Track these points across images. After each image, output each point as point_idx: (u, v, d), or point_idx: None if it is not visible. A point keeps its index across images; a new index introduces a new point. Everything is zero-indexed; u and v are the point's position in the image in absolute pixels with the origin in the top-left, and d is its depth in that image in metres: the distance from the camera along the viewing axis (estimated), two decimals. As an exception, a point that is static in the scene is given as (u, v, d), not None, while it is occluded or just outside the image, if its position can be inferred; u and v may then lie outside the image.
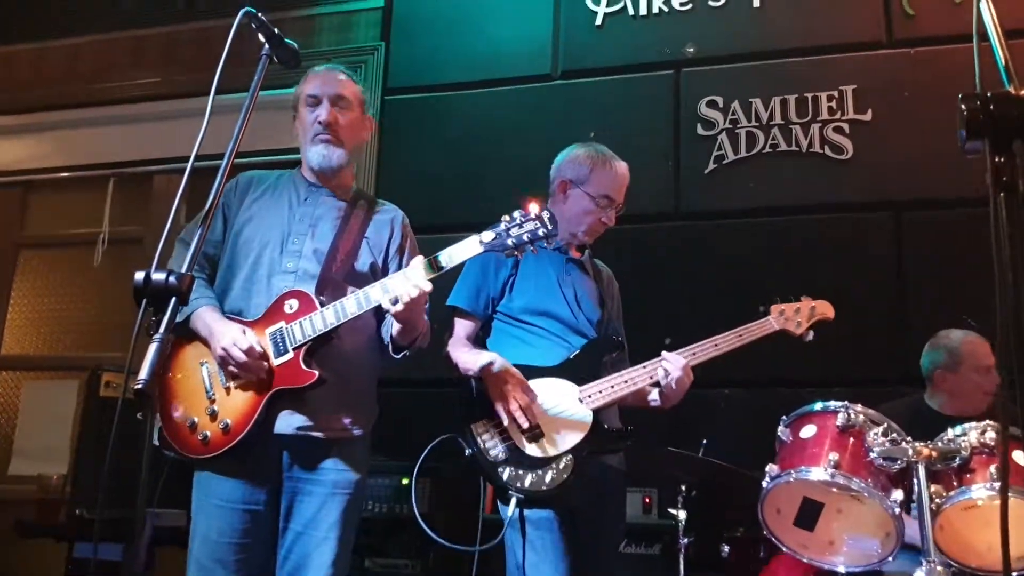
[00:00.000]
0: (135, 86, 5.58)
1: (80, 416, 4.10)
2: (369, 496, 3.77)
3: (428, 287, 2.43)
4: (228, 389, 2.49)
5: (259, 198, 2.78)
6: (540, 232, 2.44)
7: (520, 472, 2.59)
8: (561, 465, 2.60)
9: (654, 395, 2.85)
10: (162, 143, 5.48)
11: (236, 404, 2.47)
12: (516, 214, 2.47)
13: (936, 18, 4.31)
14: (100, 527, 3.60)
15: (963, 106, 1.10)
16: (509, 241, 2.44)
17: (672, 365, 2.74)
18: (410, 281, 2.43)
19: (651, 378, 2.77)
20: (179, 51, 5.54)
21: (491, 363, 2.68)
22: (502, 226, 2.46)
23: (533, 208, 2.46)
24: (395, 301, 2.41)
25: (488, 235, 2.45)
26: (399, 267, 2.76)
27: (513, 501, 2.56)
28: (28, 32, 5.81)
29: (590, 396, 2.70)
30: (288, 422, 2.50)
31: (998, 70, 1.20)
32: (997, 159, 1.06)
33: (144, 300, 1.60)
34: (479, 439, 2.66)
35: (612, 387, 2.73)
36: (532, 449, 2.62)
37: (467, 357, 2.79)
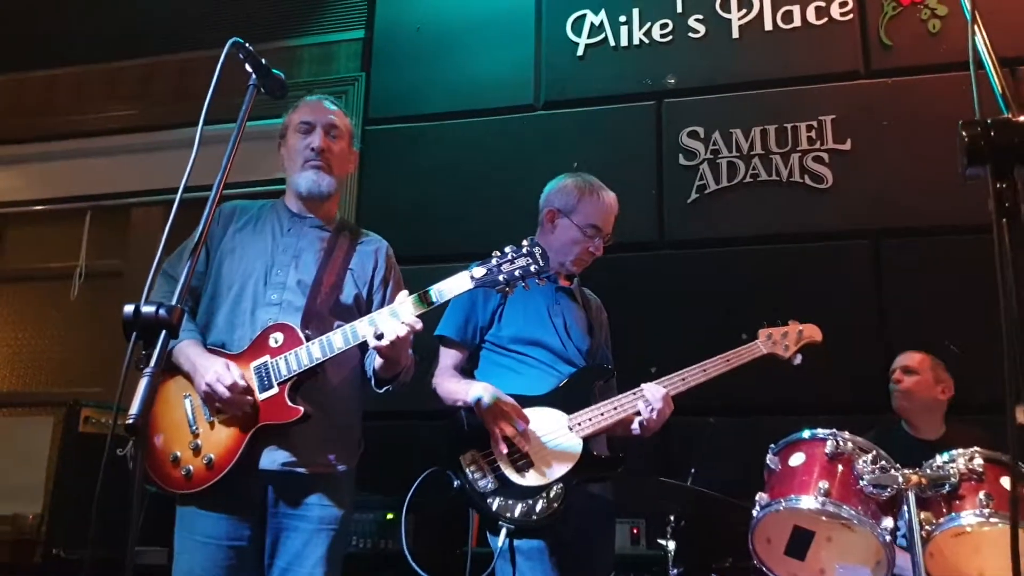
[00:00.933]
0: (112, 118, 5.55)
1: (58, 453, 4.02)
2: (353, 531, 3.71)
3: (418, 325, 2.42)
4: (212, 423, 2.46)
5: (241, 229, 2.76)
6: (532, 268, 2.42)
7: (510, 502, 2.57)
8: (551, 494, 2.57)
9: (635, 424, 2.83)
10: (140, 175, 5.45)
11: (220, 439, 2.44)
12: (507, 249, 2.45)
13: (913, 48, 4.38)
14: (80, 567, 3.53)
15: (964, 133, 1.10)
16: (500, 277, 2.41)
17: (652, 396, 2.72)
18: (399, 318, 2.41)
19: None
20: (156, 83, 5.52)
21: (483, 394, 2.66)
22: (493, 261, 2.43)
23: (525, 243, 2.45)
24: (381, 336, 2.39)
25: (479, 271, 2.43)
26: (383, 299, 2.75)
27: (503, 532, 2.54)
28: (4, 63, 5.77)
29: (579, 424, 2.69)
30: (272, 458, 2.47)
31: (994, 97, 1.21)
32: (999, 185, 1.06)
33: (133, 333, 1.57)
34: (467, 471, 2.64)
35: (601, 415, 2.72)
36: (522, 479, 2.60)
37: (457, 387, 2.77)
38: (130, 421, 1.50)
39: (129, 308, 1.58)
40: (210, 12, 5.40)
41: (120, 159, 5.57)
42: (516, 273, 2.41)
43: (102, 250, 5.66)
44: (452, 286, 2.44)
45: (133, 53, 5.57)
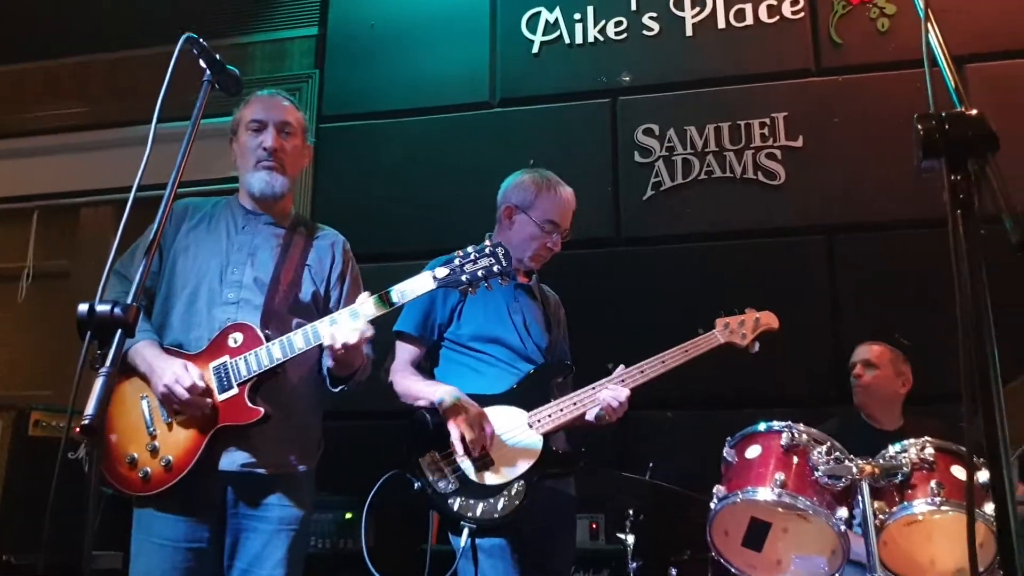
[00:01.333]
0: (59, 116, 5.44)
1: (7, 457, 3.93)
2: (312, 531, 3.68)
3: (369, 333, 2.40)
4: (170, 425, 2.43)
5: (195, 227, 2.72)
6: (495, 268, 2.42)
7: (471, 502, 2.56)
8: (513, 492, 2.58)
9: (590, 414, 2.81)
10: (89, 174, 5.36)
11: (178, 440, 2.41)
12: (470, 249, 2.44)
13: (863, 47, 4.45)
14: (32, 572, 3.46)
15: (919, 126, 1.12)
16: (463, 277, 2.41)
17: (612, 396, 2.73)
18: (357, 320, 2.40)
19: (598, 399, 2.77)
20: (105, 81, 5.42)
21: (445, 396, 2.66)
22: (456, 261, 2.43)
23: (487, 243, 2.45)
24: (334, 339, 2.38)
25: (442, 271, 2.42)
26: (341, 294, 2.73)
27: (465, 532, 2.53)
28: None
29: (539, 421, 2.70)
30: (232, 459, 2.45)
31: (944, 93, 1.23)
32: (954, 177, 1.09)
33: (88, 333, 1.54)
34: (427, 472, 2.63)
35: (561, 411, 2.72)
36: (482, 478, 2.60)
37: (421, 388, 2.76)
38: (86, 422, 1.47)
39: (83, 307, 1.55)
40: (160, 8, 5.31)
41: (68, 158, 5.46)
42: (479, 273, 2.41)
43: (50, 250, 5.56)
44: (414, 287, 2.43)
45: (82, 50, 5.47)
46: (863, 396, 3.74)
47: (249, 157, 2.71)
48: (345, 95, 5.04)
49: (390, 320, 2.87)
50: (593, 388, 2.77)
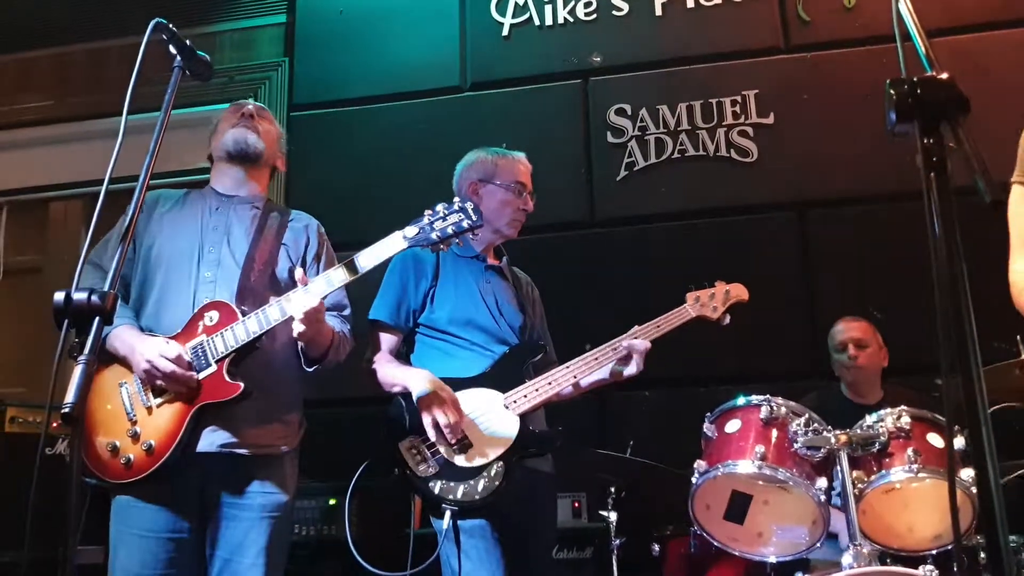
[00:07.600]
0: (26, 110, 5.37)
1: (-17, 456, 3.89)
2: (295, 519, 3.67)
3: (315, 302, 2.38)
4: (150, 409, 2.41)
5: (168, 212, 2.71)
6: (464, 224, 2.42)
7: (452, 484, 2.57)
8: (492, 472, 2.59)
9: (603, 372, 2.84)
10: (57, 168, 5.30)
11: (159, 423, 2.39)
12: (439, 207, 2.45)
13: (830, 23, 4.48)
14: (13, 570, 3.43)
15: (892, 91, 1.13)
16: (434, 235, 2.41)
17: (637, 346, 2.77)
18: (332, 285, 2.41)
19: (574, 377, 2.78)
20: (71, 73, 5.35)
21: (421, 380, 2.66)
22: (425, 220, 2.44)
23: (456, 200, 2.45)
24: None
25: (411, 230, 2.42)
26: (318, 273, 2.71)
27: (447, 515, 2.54)
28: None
29: (515, 402, 2.70)
30: (211, 440, 2.42)
31: (915, 62, 1.25)
32: (927, 140, 1.10)
33: (65, 321, 1.52)
34: (407, 456, 2.63)
35: (536, 390, 2.73)
36: (462, 460, 2.60)
37: (396, 373, 2.76)
38: (66, 410, 1.45)
39: (60, 296, 1.53)
40: (127, -1, 5.26)
41: (36, 152, 5.39)
42: (449, 230, 2.41)
43: (20, 246, 5.49)
44: (384, 248, 2.44)
45: (46, 43, 5.39)
46: (858, 375, 3.71)
47: (229, 122, 2.77)
48: (315, 83, 5.01)
49: (367, 309, 2.87)
50: (567, 367, 2.79)
